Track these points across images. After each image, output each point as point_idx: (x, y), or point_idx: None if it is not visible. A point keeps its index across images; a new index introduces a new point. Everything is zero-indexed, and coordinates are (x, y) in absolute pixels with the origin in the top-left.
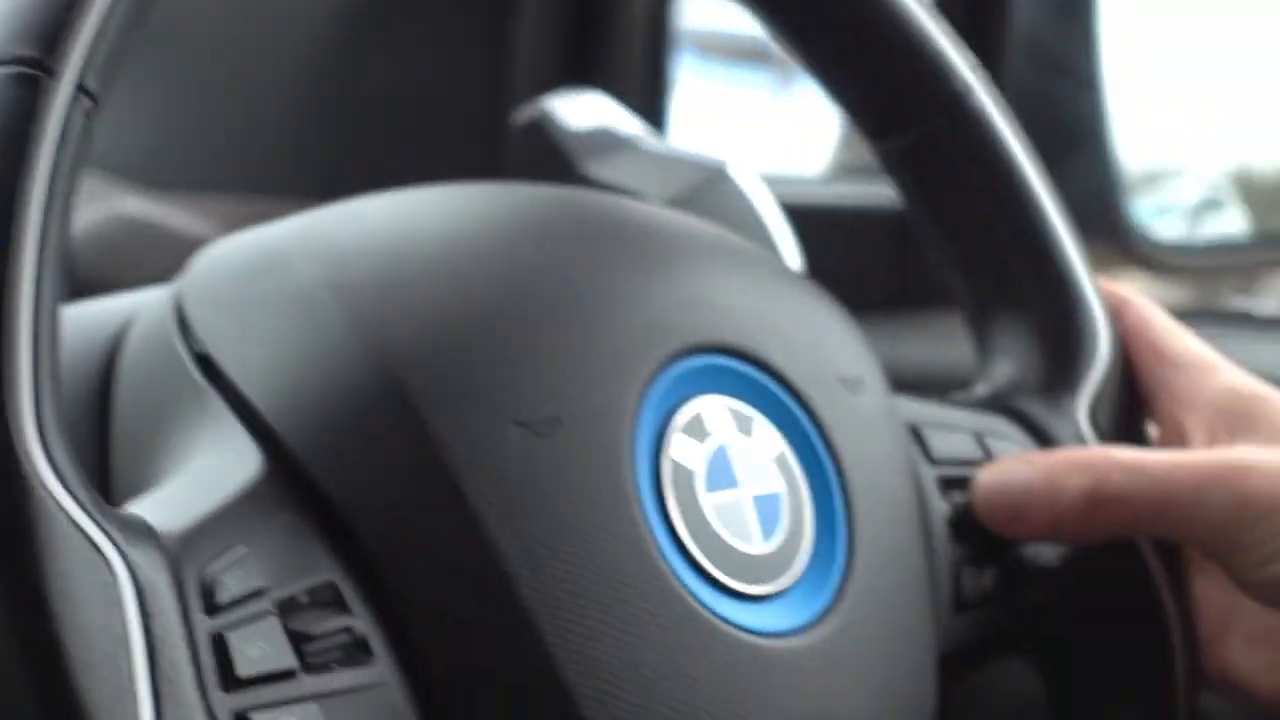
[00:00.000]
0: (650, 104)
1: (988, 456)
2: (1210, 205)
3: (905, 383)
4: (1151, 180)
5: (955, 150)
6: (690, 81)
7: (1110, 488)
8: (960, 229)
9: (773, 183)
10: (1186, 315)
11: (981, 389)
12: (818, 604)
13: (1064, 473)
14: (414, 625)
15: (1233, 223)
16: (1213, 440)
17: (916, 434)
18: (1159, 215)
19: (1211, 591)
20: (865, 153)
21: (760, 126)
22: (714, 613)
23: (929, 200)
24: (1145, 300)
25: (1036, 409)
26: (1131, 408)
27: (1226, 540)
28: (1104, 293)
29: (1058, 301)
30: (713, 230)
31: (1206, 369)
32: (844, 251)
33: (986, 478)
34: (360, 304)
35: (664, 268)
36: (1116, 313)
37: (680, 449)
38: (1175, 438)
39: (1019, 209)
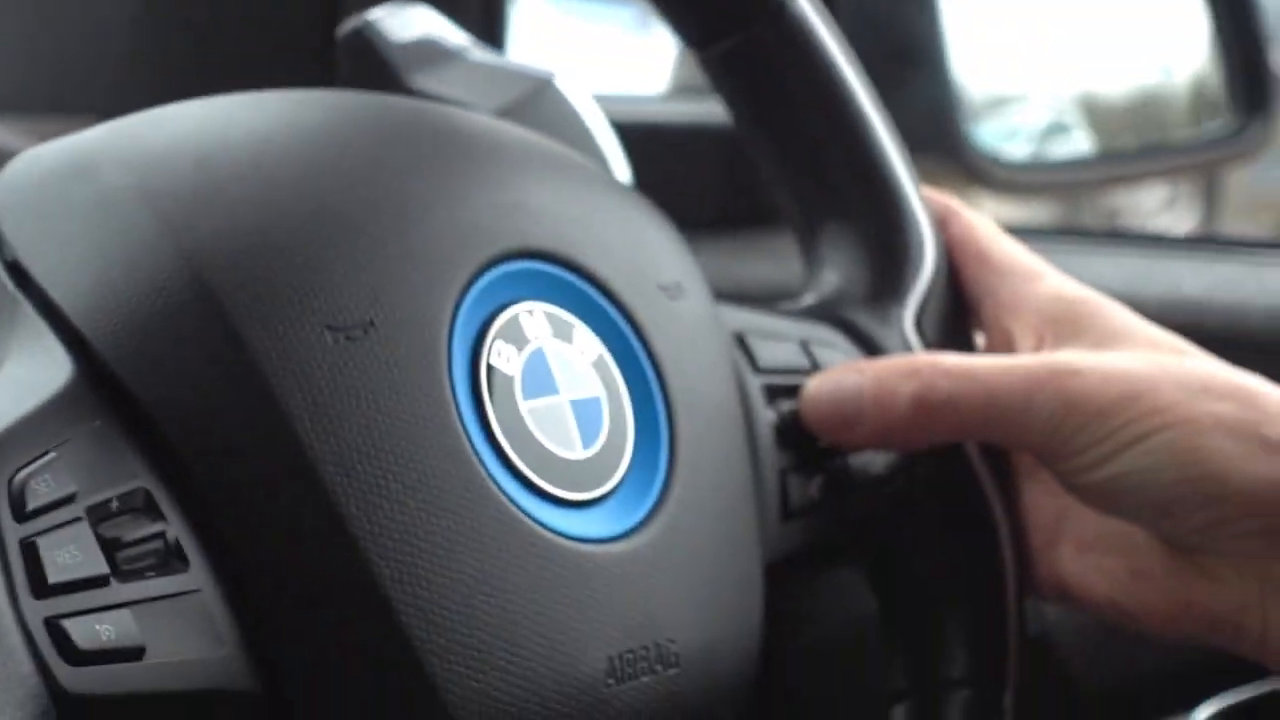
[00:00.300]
0: (488, 25)
1: (814, 365)
2: (1057, 129)
3: (742, 300)
4: (999, 104)
5: (778, 59)
6: (543, 13)
7: (938, 393)
8: (785, 140)
9: (607, 101)
10: (1027, 231)
11: (809, 299)
12: (639, 510)
13: (892, 379)
14: (228, 532)
15: (1079, 145)
16: (1039, 346)
17: (742, 342)
18: (1007, 139)
19: (1042, 499)
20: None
21: (611, 59)
22: (534, 519)
23: (753, 111)
24: (971, 209)
25: (863, 318)
26: (958, 317)
27: (1055, 444)
28: (930, 202)
29: (883, 211)
30: (534, 138)
31: (1032, 276)
32: (679, 169)
33: (815, 386)
34: (170, 209)
35: (481, 172)
36: (942, 222)
37: (498, 355)
38: (1002, 345)
39: (843, 119)
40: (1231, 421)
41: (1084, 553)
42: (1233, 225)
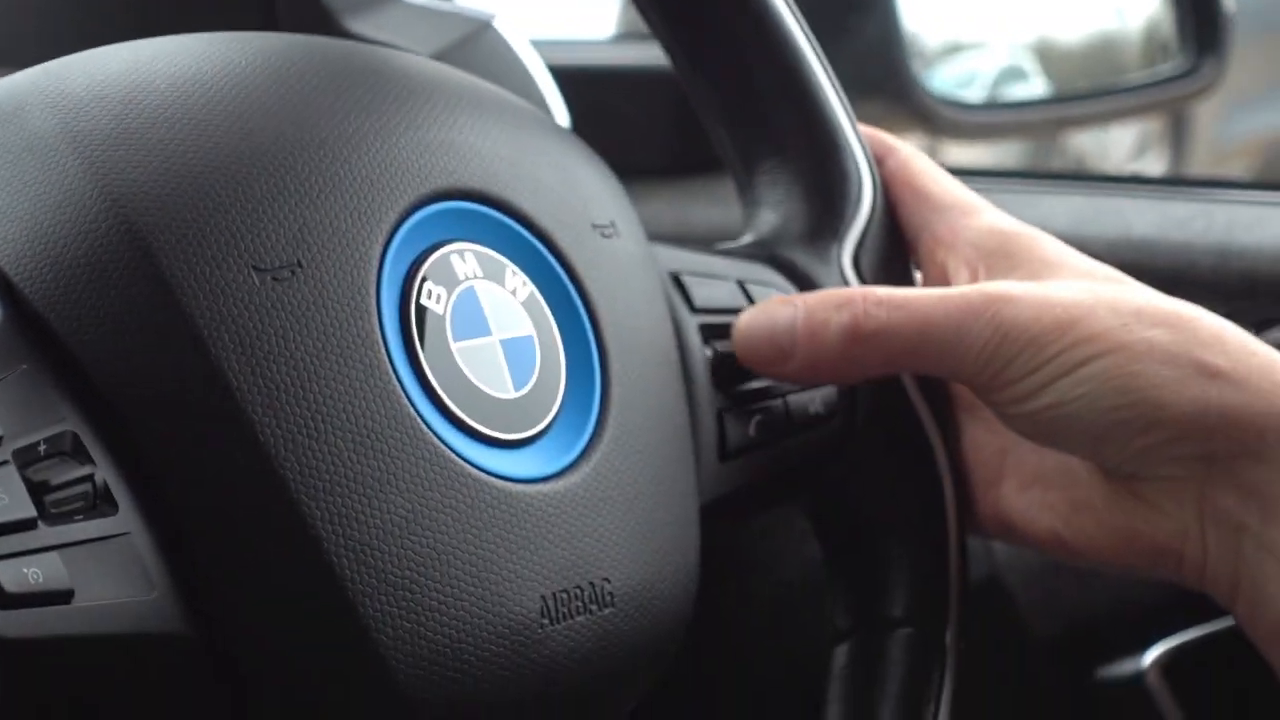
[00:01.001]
0: None
1: (751, 304)
2: (1012, 74)
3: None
4: (954, 51)
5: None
6: None
7: (871, 323)
8: (722, 80)
9: (553, 45)
10: (974, 173)
11: (746, 239)
12: (572, 450)
13: (824, 310)
14: (157, 474)
15: (1034, 89)
16: (974, 278)
17: (678, 282)
18: (962, 84)
19: (983, 436)
20: None
21: (558, 2)
22: (465, 459)
23: (689, 52)
24: (908, 146)
25: (800, 256)
26: (896, 254)
27: (989, 374)
28: (867, 139)
29: (821, 150)
30: (465, 78)
31: (967, 210)
32: (626, 114)
33: (748, 318)
34: (96, 151)
35: (411, 112)
36: (879, 158)
37: (428, 295)
38: (938, 278)
39: (779, 58)
40: (1166, 347)
41: (1026, 489)
42: (1204, 173)
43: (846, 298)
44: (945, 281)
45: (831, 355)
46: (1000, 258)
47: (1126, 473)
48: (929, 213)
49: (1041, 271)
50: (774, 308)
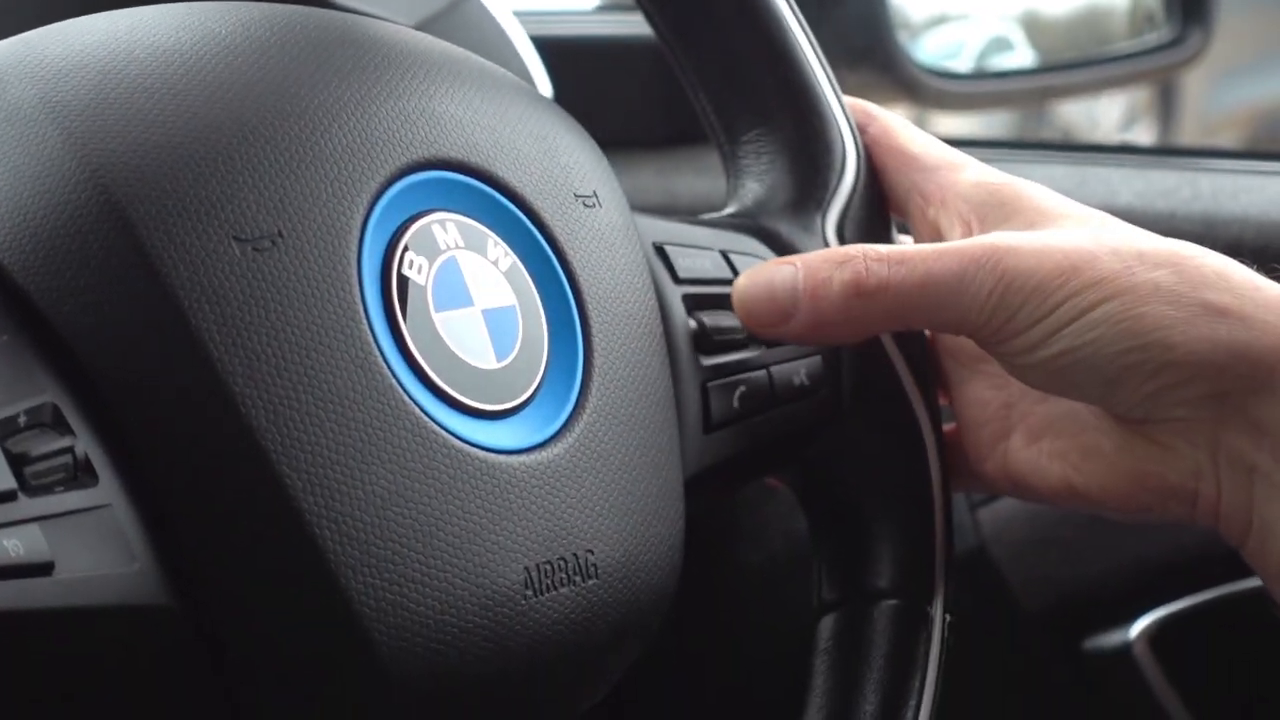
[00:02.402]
0: None
1: (735, 275)
2: (999, 44)
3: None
4: (941, 21)
5: None
6: None
7: (873, 278)
8: (705, 49)
9: (538, 15)
10: (961, 142)
11: (730, 209)
12: (555, 420)
13: (827, 268)
14: (138, 446)
15: (1021, 60)
16: (968, 233)
17: (661, 253)
18: (949, 55)
19: (986, 393)
20: None
21: None
22: (447, 430)
23: (673, 20)
24: (888, 113)
25: (785, 226)
26: (880, 223)
27: (995, 325)
28: (850, 107)
29: (805, 119)
30: (447, 48)
31: (954, 166)
32: (612, 84)
33: (747, 279)
34: (75, 121)
35: (391, 82)
36: (861, 127)
37: (409, 265)
38: (932, 237)
39: (764, 26)
40: (1172, 287)
41: (1034, 441)
42: (1193, 143)
43: (847, 255)
44: (939, 239)
45: (834, 312)
46: (993, 208)
47: (1138, 416)
48: (915, 173)
49: (1037, 220)
50: (773, 268)
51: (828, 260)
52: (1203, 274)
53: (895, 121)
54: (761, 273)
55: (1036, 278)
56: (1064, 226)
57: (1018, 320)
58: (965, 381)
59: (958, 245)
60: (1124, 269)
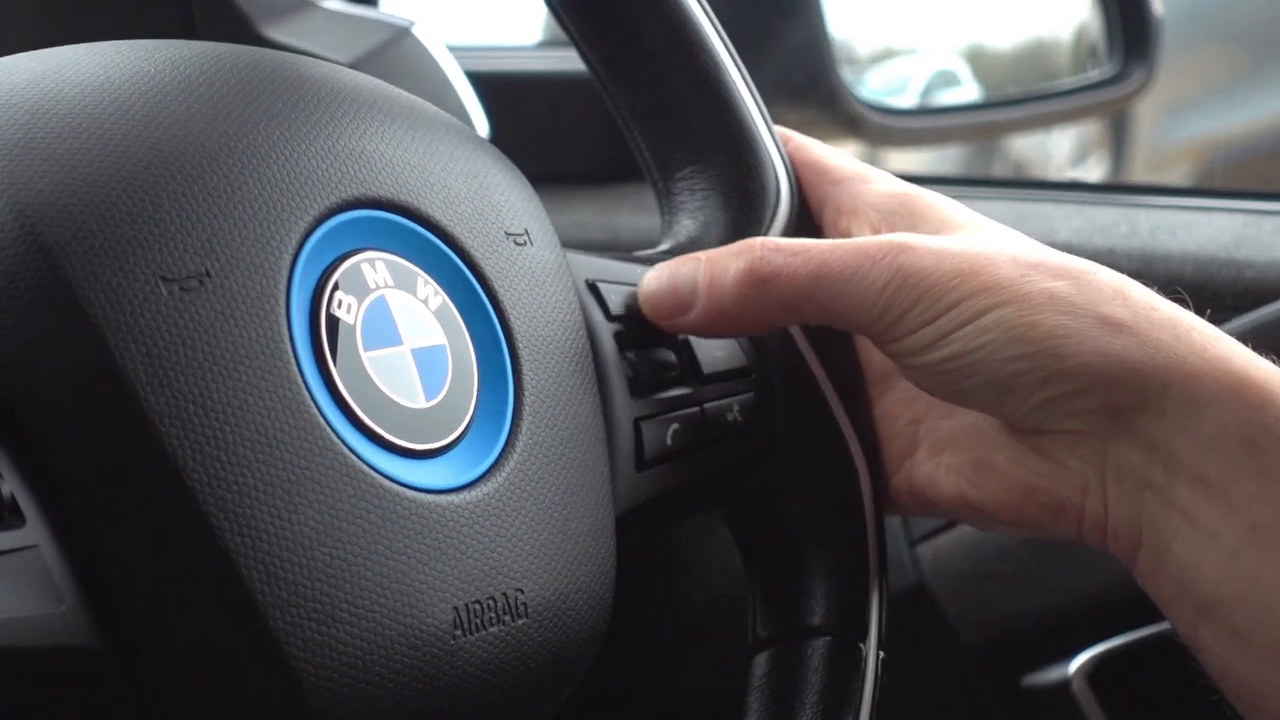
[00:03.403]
0: None
1: None
2: (944, 79)
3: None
4: (886, 56)
5: (629, 4)
6: None
7: (767, 267)
8: (638, 84)
9: (478, 51)
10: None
11: (664, 245)
12: (485, 459)
13: (724, 258)
14: (65, 487)
15: (966, 95)
16: None
17: (594, 290)
18: (894, 90)
19: (896, 408)
20: None
21: (484, 8)
22: (376, 470)
23: (606, 58)
24: (802, 135)
25: None
26: None
27: (887, 321)
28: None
29: (738, 157)
30: (378, 86)
31: (867, 178)
32: (553, 121)
33: (653, 273)
34: (2, 162)
35: (321, 120)
36: None
37: (338, 305)
38: None
39: (696, 64)
40: (1067, 298)
41: (936, 455)
42: (1145, 178)
43: (745, 245)
44: None
45: (730, 301)
46: (902, 216)
47: (1029, 426)
48: (829, 186)
49: (942, 227)
50: (677, 263)
51: (728, 251)
52: (1100, 288)
53: (810, 140)
54: (666, 268)
55: (932, 278)
56: (967, 234)
57: (910, 319)
58: (875, 398)
59: (856, 241)
60: (1020, 276)
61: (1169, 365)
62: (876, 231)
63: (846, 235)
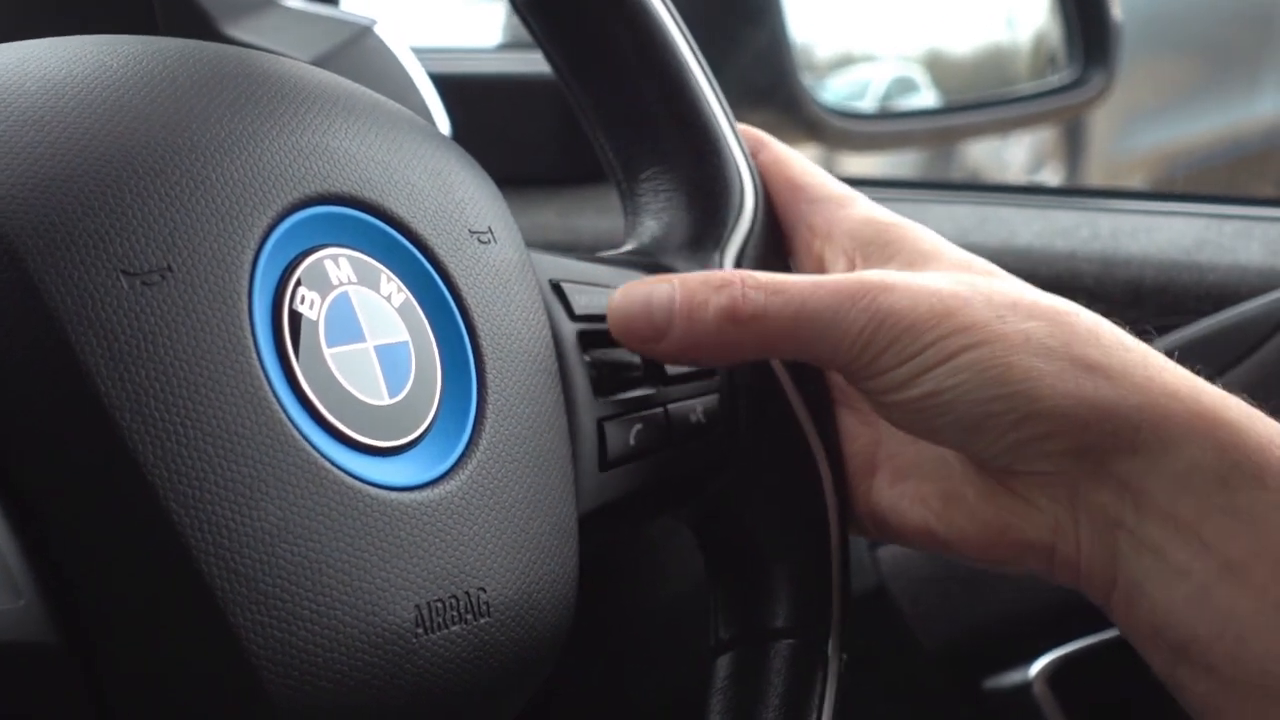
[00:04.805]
0: None
1: None
2: (903, 84)
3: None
4: (846, 62)
5: (593, 6)
6: None
7: (749, 305)
8: (603, 85)
9: (440, 52)
10: (861, 181)
11: (628, 246)
12: (448, 457)
13: (704, 290)
14: (23, 481)
15: (926, 100)
16: (851, 268)
17: (558, 290)
18: (854, 95)
19: (857, 428)
20: None
21: (446, 9)
22: (338, 466)
23: (570, 59)
24: (782, 144)
25: (682, 264)
26: (776, 263)
27: (864, 361)
28: (742, 134)
29: (702, 158)
30: (341, 83)
31: (843, 201)
32: (515, 122)
33: (623, 293)
34: None
35: (284, 116)
36: (752, 150)
37: (301, 301)
38: (815, 269)
39: (661, 65)
40: (1042, 340)
41: (899, 482)
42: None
43: (725, 279)
44: (822, 272)
45: (707, 336)
46: (877, 247)
47: (1000, 466)
48: (804, 205)
49: (917, 261)
50: (651, 285)
51: (705, 283)
52: (1075, 329)
53: (787, 152)
54: (638, 288)
55: (909, 319)
56: (943, 269)
57: (886, 359)
58: (839, 416)
59: (835, 279)
60: (995, 317)
61: (1140, 406)
62: (850, 259)
63: (819, 260)
